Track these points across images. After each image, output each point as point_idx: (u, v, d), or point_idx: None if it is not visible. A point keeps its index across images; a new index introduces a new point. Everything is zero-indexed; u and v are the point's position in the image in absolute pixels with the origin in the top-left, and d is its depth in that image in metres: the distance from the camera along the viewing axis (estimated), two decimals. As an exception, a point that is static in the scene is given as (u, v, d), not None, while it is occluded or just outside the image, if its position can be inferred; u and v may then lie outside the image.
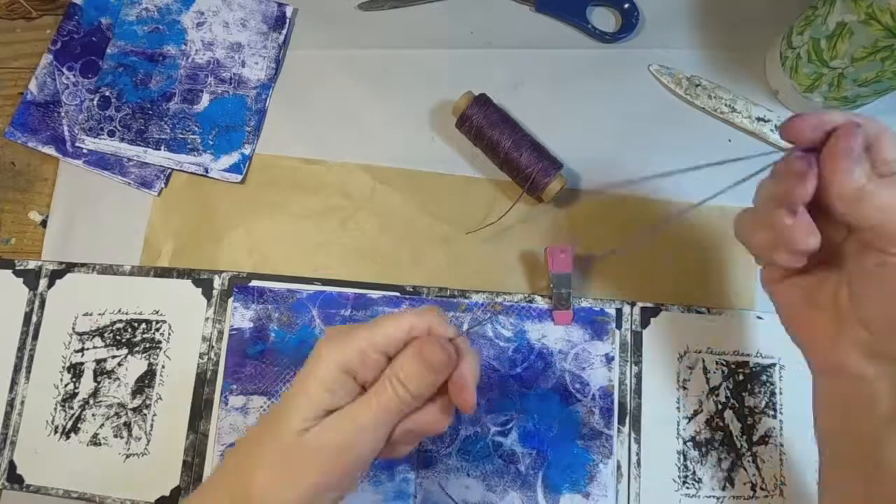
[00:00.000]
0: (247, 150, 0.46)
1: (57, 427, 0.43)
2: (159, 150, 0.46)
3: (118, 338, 0.44)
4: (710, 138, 0.46)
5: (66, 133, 0.47)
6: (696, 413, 0.42)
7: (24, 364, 0.44)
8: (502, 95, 0.46)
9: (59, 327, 0.44)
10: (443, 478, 0.41)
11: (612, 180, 0.45)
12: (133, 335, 0.44)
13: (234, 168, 0.46)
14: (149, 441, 0.42)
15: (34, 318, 0.44)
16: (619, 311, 0.43)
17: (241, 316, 0.44)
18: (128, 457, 0.42)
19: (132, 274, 0.45)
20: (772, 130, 0.45)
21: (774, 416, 0.42)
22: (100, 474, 0.42)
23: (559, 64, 0.47)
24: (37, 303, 0.44)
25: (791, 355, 0.38)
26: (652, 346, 0.43)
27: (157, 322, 0.44)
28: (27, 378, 0.43)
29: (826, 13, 0.39)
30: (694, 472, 0.41)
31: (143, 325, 0.44)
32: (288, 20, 0.48)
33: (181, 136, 0.46)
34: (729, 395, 0.42)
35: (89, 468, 0.42)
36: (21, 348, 0.44)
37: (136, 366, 0.43)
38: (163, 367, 0.44)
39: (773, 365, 0.42)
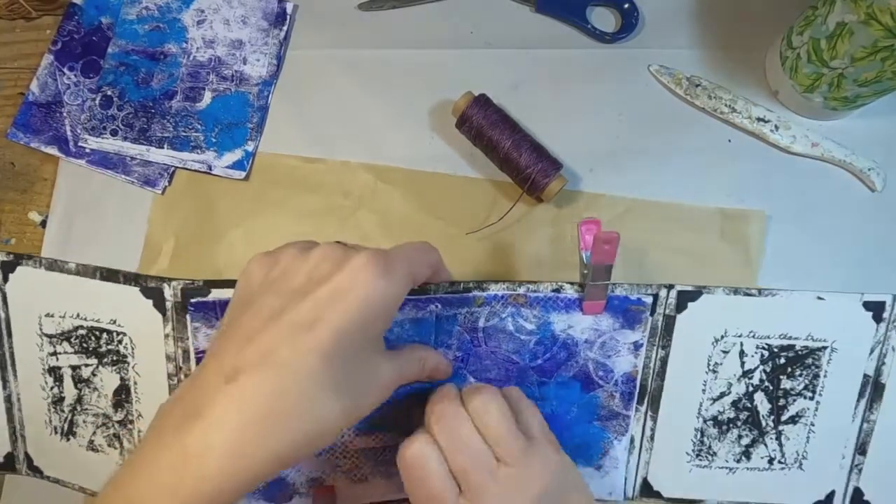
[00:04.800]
0: (250, 147, 0.46)
1: (56, 428, 0.42)
2: (162, 148, 0.46)
3: (84, 345, 0.41)
4: (711, 138, 0.46)
5: (69, 133, 0.47)
6: (722, 395, 0.41)
7: (8, 362, 0.42)
8: (502, 95, 0.46)
9: (28, 327, 0.42)
10: None
11: (613, 181, 0.45)
12: (98, 344, 0.41)
13: (238, 165, 0.46)
14: None
15: (2, 314, 0.42)
16: (655, 297, 0.40)
17: (205, 336, 0.39)
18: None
19: (78, 273, 0.41)
20: (771, 131, 0.45)
21: (812, 398, 0.41)
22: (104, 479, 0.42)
23: (559, 64, 0.47)
24: (1, 296, 0.42)
25: (846, 338, 0.40)
26: (685, 331, 0.40)
27: (118, 334, 0.40)
28: (15, 377, 0.42)
29: (826, 13, 0.39)
30: (710, 448, 0.41)
31: (105, 335, 0.41)
32: (288, 16, 0.48)
33: (184, 133, 0.46)
34: (764, 377, 0.41)
35: (95, 471, 0.42)
36: (0, 346, 0.42)
37: (109, 378, 0.41)
38: (135, 383, 0.41)
39: (824, 348, 0.40)
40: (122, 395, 0.41)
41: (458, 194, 0.45)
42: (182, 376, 0.39)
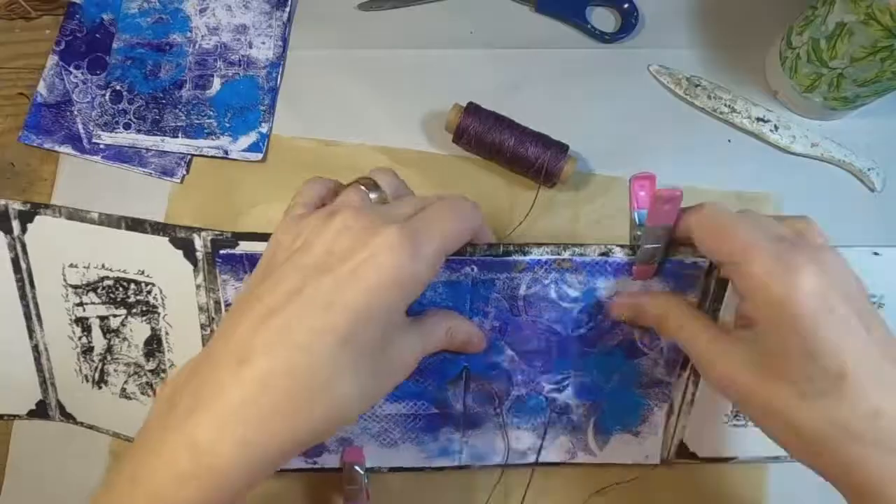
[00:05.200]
0: (264, 129, 0.46)
1: (87, 376, 0.41)
2: (177, 137, 0.46)
3: (112, 296, 0.40)
4: (710, 138, 0.46)
5: (82, 131, 0.47)
6: None
7: (34, 312, 0.41)
8: (501, 96, 0.46)
9: (52, 278, 0.41)
10: (491, 434, 0.40)
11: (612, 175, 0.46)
12: (126, 295, 0.39)
13: (254, 147, 0.46)
14: None
15: (23, 265, 0.41)
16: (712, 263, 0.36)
17: (234, 290, 0.37)
18: None
19: (101, 223, 0.39)
20: (771, 131, 0.45)
21: None
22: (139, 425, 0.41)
23: (559, 64, 0.47)
24: (18, 248, 0.41)
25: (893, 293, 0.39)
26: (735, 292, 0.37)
27: (147, 284, 0.39)
28: (41, 327, 0.41)
29: (825, 13, 0.39)
30: None
31: (133, 286, 0.39)
32: None
33: (197, 121, 0.46)
34: None
35: (130, 417, 0.41)
36: (23, 297, 0.41)
37: (139, 329, 0.40)
38: (167, 333, 0.40)
39: (873, 303, 0.39)
40: (154, 344, 0.40)
41: (475, 177, 0.45)
42: (214, 327, 0.38)
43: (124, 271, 0.39)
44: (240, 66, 0.48)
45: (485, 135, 0.43)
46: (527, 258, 0.36)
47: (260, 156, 0.46)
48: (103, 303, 0.40)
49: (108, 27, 0.48)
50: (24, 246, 0.41)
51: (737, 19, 0.48)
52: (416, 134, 0.46)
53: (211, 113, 0.47)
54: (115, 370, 0.41)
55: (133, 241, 0.39)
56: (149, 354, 0.40)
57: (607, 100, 0.47)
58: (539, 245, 0.36)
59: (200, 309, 0.38)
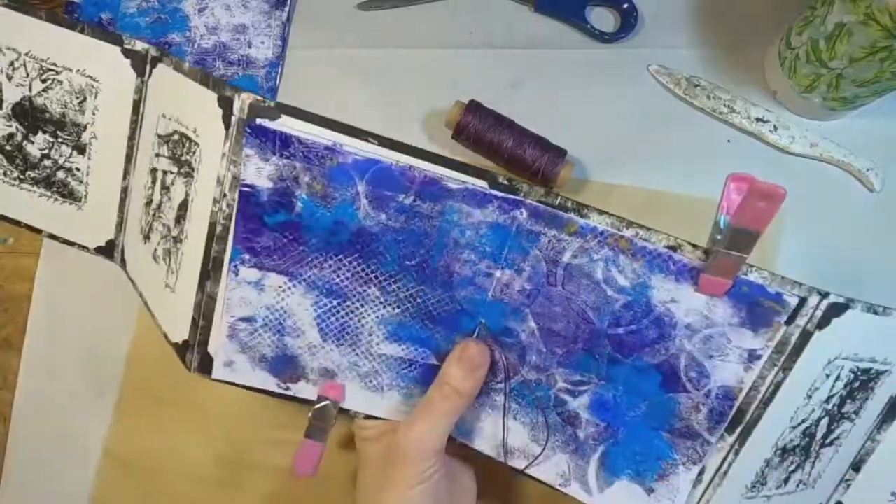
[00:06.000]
0: None
1: (142, 228, 0.41)
2: None
3: (175, 152, 0.38)
4: (710, 138, 0.46)
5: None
6: (802, 422, 0.34)
7: (134, 156, 0.40)
8: (501, 95, 0.46)
9: (150, 125, 0.39)
10: (486, 413, 0.36)
11: (613, 181, 0.46)
12: (181, 152, 0.37)
13: None
14: (176, 280, 0.37)
15: (141, 109, 0.40)
16: (802, 300, 0.30)
17: (255, 170, 0.33)
18: (165, 286, 0.38)
19: (188, 76, 0.36)
20: (770, 131, 0.45)
21: (853, 420, 0.36)
22: (154, 292, 0.40)
23: (558, 64, 0.47)
24: (144, 92, 0.39)
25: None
26: (813, 353, 0.31)
27: (194, 144, 0.37)
28: (134, 171, 0.41)
29: (825, 14, 0.39)
30: (765, 477, 0.35)
31: (188, 144, 0.37)
32: None
33: None
34: (837, 402, 0.35)
35: (150, 281, 0.40)
36: (131, 138, 0.40)
37: (178, 190, 0.38)
38: (192, 200, 0.37)
39: (886, 371, 0.35)
40: (183, 210, 0.38)
41: None
42: (224, 206, 0.34)
43: (187, 128, 0.37)
44: (239, 65, 0.48)
45: (484, 133, 0.43)
46: (581, 221, 0.31)
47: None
48: (168, 157, 0.38)
49: (107, 26, 0.49)
50: (146, 90, 0.39)
51: (736, 19, 0.48)
52: (416, 132, 0.46)
53: None
54: (156, 228, 0.39)
55: (200, 98, 0.35)
56: (178, 220, 0.38)
57: (607, 99, 0.47)
58: (600, 212, 0.31)
59: (218, 181, 0.34)
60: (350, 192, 0.32)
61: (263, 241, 0.34)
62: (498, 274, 0.33)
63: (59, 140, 0.41)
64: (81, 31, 0.39)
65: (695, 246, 0.31)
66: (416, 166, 0.32)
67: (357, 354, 0.36)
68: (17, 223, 0.43)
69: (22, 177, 0.43)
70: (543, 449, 0.35)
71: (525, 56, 0.48)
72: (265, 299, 0.35)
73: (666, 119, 0.47)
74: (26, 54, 0.40)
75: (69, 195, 0.42)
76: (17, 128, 0.42)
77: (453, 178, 0.32)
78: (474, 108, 0.43)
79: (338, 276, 0.34)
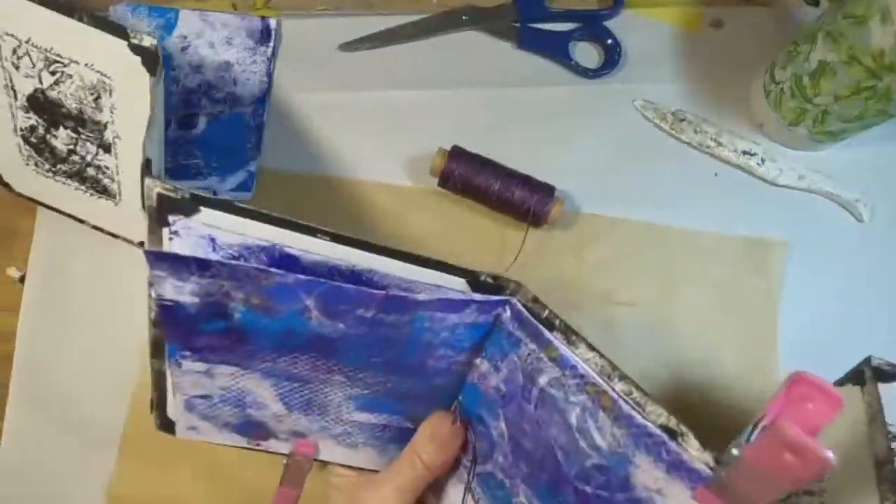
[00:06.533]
0: (252, 167, 0.46)
1: None
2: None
3: None
4: (698, 171, 0.46)
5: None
6: None
7: None
8: (485, 135, 0.45)
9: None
10: (453, 478, 0.34)
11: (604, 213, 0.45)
12: None
13: (243, 186, 0.46)
14: None
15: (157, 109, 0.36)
16: None
17: (173, 288, 0.27)
18: None
19: None
20: (758, 164, 0.45)
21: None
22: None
23: (543, 101, 0.47)
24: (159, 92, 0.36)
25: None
26: None
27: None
28: None
29: (808, 51, 0.39)
30: None
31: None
32: (273, 32, 0.47)
33: (183, 162, 0.46)
34: None
35: None
36: None
37: None
38: None
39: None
40: None
41: (463, 217, 0.45)
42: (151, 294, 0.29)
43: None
44: (225, 103, 0.47)
45: (470, 179, 0.43)
46: (563, 350, 0.27)
47: (249, 195, 0.45)
48: None
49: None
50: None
51: (720, 53, 0.47)
52: (403, 178, 0.46)
53: (197, 153, 0.46)
54: None
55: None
56: None
57: (593, 135, 0.46)
58: (590, 347, 0.26)
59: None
60: (297, 306, 0.27)
61: (203, 342, 0.30)
62: (477, 362, 0.31)
63: (83, 137, 0.39)
64: (80, 20, 0.35)
65: (703, 447, 0.23)
66: (377, 272, 0.28)
67: (327, 421, 0.34)
68: (63, 213, 0.42)
69: (54, 169, 0.41)
70: None
71: (509, 94, 0.47)
72: (218, 382, 0.32)
73: (653, 153, 0.46)
74: (27, 42, 0.37)
75: (104, 191, 0.40)
76: (37, 120, 0.39)
77: (425, 285, 0.28)
78: (457, 154, 0.43)
79: (296, 368, 0.31)
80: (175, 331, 0.29)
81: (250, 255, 0.28)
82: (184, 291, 0.27)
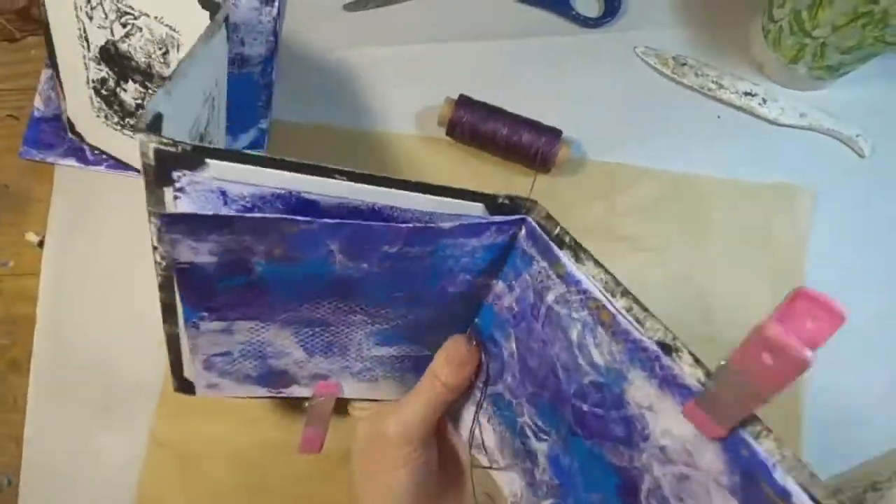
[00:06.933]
0: (263, 125, 0.46)
1: None
2: None
3: None
4: (700, 115, 0.47)
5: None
6: None
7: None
8: (491, 87, 0.46)
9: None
10: (470, 406, 0.35)
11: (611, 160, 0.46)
12: None
13: (255, 143, 0.46)
14: None
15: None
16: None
17: (189, 250, 0.26)
18: None
19: None
20: (759, 104, 0.46)
21: None
22: None
23: (546, 52, 0.48)
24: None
25: None
26: None
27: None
28: None
29: (805, -16, 0.40)
30: None
31: None
32: None
33: None
34: None
35: None
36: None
37: None
38: None
39: None
40: None
41: (471, 165, 0.46)
42: (157, 257, 0.28)
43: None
44: (234, 64, 0.47)
45: (478, 126, 0.43)
46: (569, 266, 0.27)
47: (261, 153, 0.46)
48: None
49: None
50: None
51: (718, -4, 0.48)
52: (411, 130, 0.47)
53: None
54: None
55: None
56: None
57: (597, 84, 0.47)
58: (597, 264, 0.26)
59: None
60: (322, 251, 0.27)
61: (221, 300, 0.29)
62: (493, 283, 0.32)
63: (150, 92, 0.39)
64: None
65: (697, 360, 0.23)
66: (398, 207, 0.28)
67: (348, 360, 0.35)
68: (130, 167, 0.43)
69: (122, 123, 0.41)
70: (506, 462, 0.34)
71: (512, 46, 0.48)
72: (238, 338, 0.32)
73: (656, 98, 0.47)
74: None
75: None
76: (108, 73, 0.40)
77: (444, 214, 0.28)
78: (465, 102, 0.44)
79: (317, 313, 0.32)
80: (191, 293, 0.29)
81: (265, 205, 0.27)
82: (201, 252, 0.26)
